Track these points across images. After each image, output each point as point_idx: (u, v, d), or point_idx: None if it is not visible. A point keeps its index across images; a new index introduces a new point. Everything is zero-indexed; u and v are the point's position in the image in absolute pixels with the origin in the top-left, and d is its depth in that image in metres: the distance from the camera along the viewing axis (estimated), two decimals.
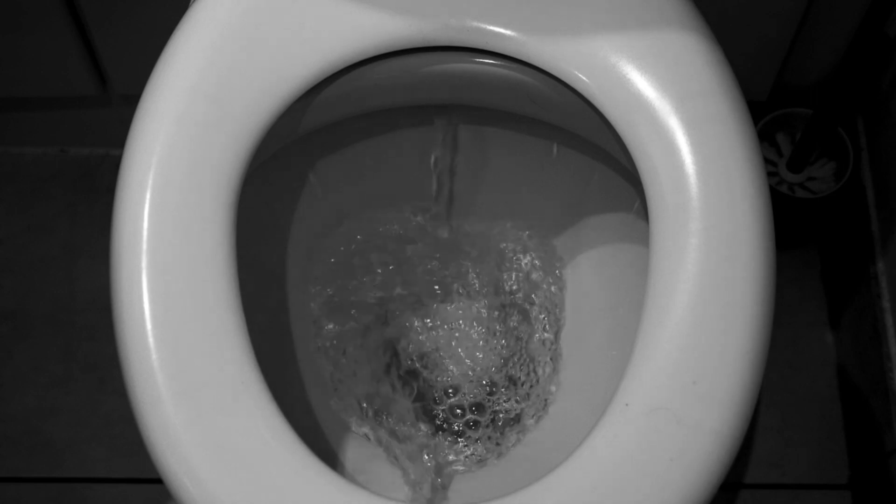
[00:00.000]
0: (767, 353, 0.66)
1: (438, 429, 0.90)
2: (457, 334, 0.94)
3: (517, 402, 0.91)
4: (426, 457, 0.86)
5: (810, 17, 1.00)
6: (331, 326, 0.92)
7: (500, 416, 0.90)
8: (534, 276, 0.95)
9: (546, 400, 0.90)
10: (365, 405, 0.90)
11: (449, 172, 0.92)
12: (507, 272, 0.96)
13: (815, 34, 1.02)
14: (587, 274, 0.93)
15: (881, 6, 0.91)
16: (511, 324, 0.94)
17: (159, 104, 0.71)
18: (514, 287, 0.95)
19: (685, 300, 0.66)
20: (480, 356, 0.93)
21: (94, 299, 1.17)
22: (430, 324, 0.94)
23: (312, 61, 0.73)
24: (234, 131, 0.70)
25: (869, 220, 1.09)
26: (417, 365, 0.93)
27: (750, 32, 0.99)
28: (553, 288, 0.94)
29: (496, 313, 0.95)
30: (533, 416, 0.90)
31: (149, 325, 0.64)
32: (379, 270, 0.95)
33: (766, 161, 1.10)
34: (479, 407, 0.91)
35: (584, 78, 0.72)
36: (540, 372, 0.92)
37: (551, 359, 0.92)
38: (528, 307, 0.94)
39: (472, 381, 0.92)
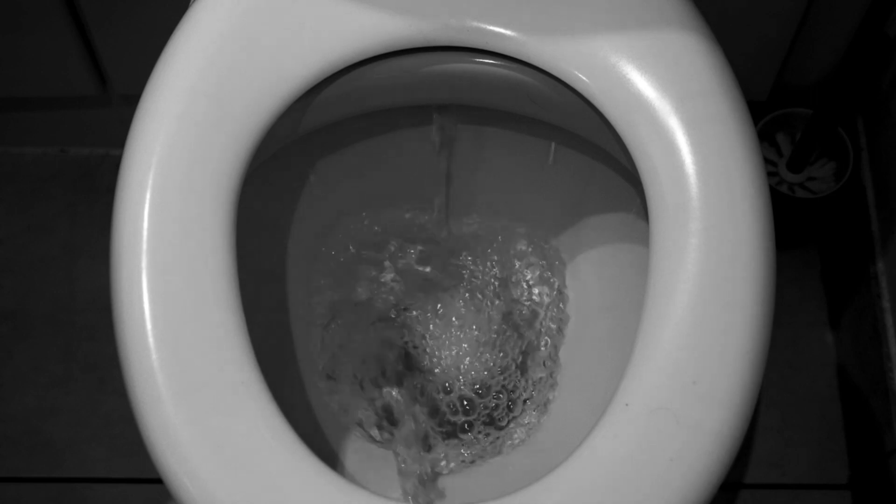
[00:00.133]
0: (767, 353, 0.66)
1: (439, 427, 0.90)
2: (457, 333, 0.94)
3: (517, 401, 0.91)
4: (426, 456, 0.86)
5: (810, 17, 1.00)
6: (331, 326, 0.92)
7: (500, 415, 0.90)
8: (534, 275, 0.95)
9: (546, 400, 0.90)
10: (365, 404, 0.90)
11: (449, 172, 0.92)
12: (506, 272, 0.96)
13: (815, 34, 1.02)
14: (587, 274, 0.93)
15: (881, 6, 0.91)
16: (511, 323, 0.94)
17: (159, 104, 0.71)
18: (514, 286, 0.95)
19: (685, 300, 0.66)
20: (480, 354, 0.93)
21: (94, 299, 1.17)
22: (430, 323, 0.94)
23: (312, 61, 0.73)
24: (234, 131, 0.70)
25: (869, 220, 1.09)
26: (417, 364, 0.93)
27: (750, 32, 0.99)
28: (553, 288, 0.94)
29: (496, 312, 0.95)
30: (533, 415, 0.90)
31: (149, 325, 0.64)
32: (379, 270, 0.95)
33: (766, 161, 1.10)
34: (479, 406, 0.91)
35: (584, 78, 0.72)
36: (540, 372, 0.92)
37: (551, 358, 0.92)
38: (527, 307, 0.94)
39: (472, 380, 0.92)
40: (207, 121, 0.70)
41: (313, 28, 0.73)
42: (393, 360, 0.93)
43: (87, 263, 1.19)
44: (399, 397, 0.91)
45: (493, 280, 0.95)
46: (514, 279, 0.95)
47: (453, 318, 0.95)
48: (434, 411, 0.91)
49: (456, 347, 0.93)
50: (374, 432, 0.88)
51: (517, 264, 0.96)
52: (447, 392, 0.92)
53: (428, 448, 0.87)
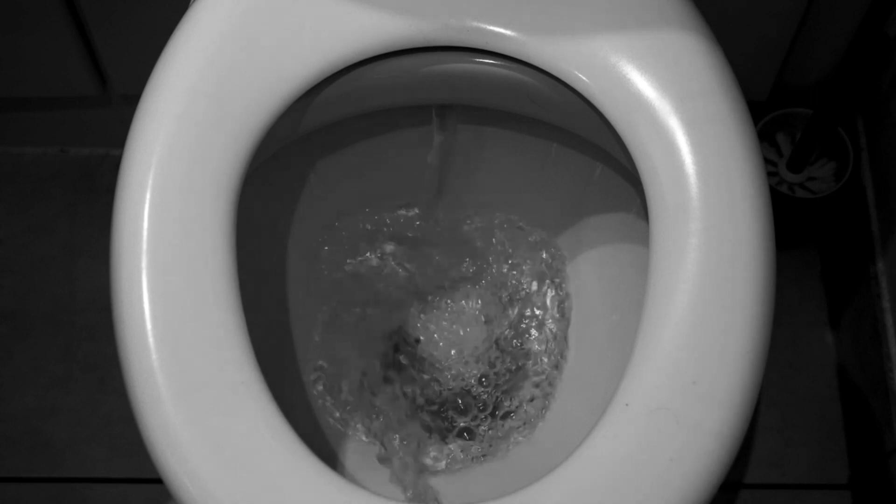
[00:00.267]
0: (767, 353, 0.66)
1: (439, 427, 0.90)
2: (457, 333, 0.94)
3: (517, 401, 0.91)
4: (426, 455, 0.86)
5: (810, 17, 1.00)
6: (331, 326, 0.92)
7: (500, 415, 0.90)
8: (533, 275, 0.95)
9: (546, 399, 0.90)
10: (365, 404, 0.90)
11: (449, 172, 0.92)
12: (506, 271, 0.96)
13: (815, 34, 1.02)
14: (587, 274, 0.93)
15: (881, 6, 0.91)
16: (511, 322, 0.94)
17: (159, 104, 0.71)
18: (514, 286, 0.95)
19: (685, 300, 0.66)
20: (481, 354, 0.93)
21: (94, 299, 1.17)
22: (431, 322, 0.94)
23: (312, 61, 0.73)
24: (234, 131, 0.70)
25: (869, 220, 1.09)
26: (417, 363, 0.93)
27: (750, 32, 0.99)
28: (553, 288, 0.94)
29: (496, 312, 0.95)
30: (533, 415, 0.90)
31: (149, 325, 0.64)
32: (378, 270, 0.95)
33: (766, 161, 1.10)
34: (478, 406, 0.91)
35: (584, 78, 0.72)
36: (540, 372, 0.92)
37: (551, 358, 0.92)
38: (527, 306, 0.94)
39: (472, 380, 0.92)
40: (207, 121, 0.70)
41: (313, 28, 0.73)
42: (393, 359, 0.93)
43: (87, 263, 1.19)
44: (399, 397, 0.91)
45: (492, 279, 0.95)
46: (513, 279, 0.95)
47: (453, 318, 0.95)
48: (434, 411, 0.91)
49: (456, 347, 0.93)
50: (374, 431, 0.88)
51: (517, 264, 0.96)
52: (447, 392, 0.92)
53: (428, 448, 0.87)
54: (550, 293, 0.94)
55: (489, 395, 0.91)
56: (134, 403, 0.64)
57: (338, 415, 0.89)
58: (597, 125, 0.75)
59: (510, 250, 0.96)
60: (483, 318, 0.95)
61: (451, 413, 0.91)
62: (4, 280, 1.19)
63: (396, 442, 0.87)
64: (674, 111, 0.71)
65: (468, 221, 0.96)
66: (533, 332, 0.93)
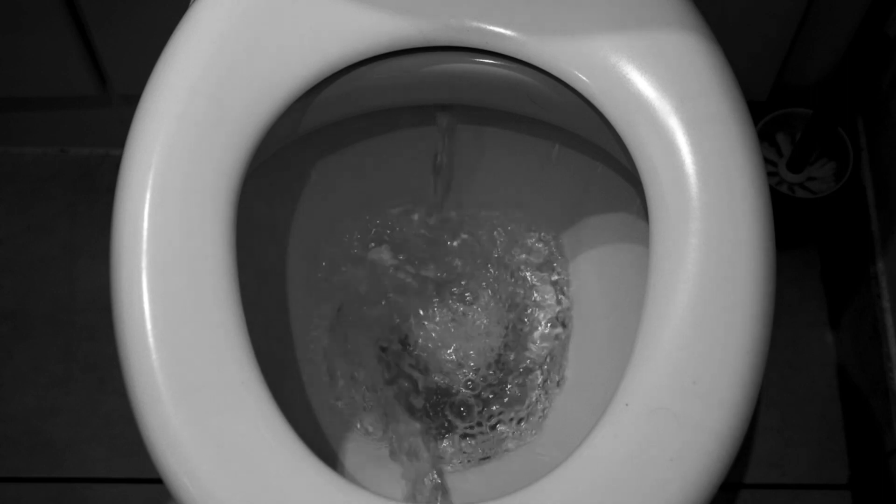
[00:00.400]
0: (767, 353, 0.66)
1: (439, 426, 0.90)
2: (458, 332, 0.94)
3: (517, 400, 0.91)
4: (426, 455, 0.86)
5: (810, 17, 1.00)
6: (331, 326, 0.92)
7: (500, 415, 0.90)
8: (534, 275, 0.95)
9: (546, 399, 0.90)
10: (365, 403, 0.90)
11: (449, 172, 0.92)
12: (507, 271, 0.96)
13: (815, 34, 1.02)
14: (587, 274, 0.93)
15: (881, 6, 0.91)
16: (511, 323, 0.94)
17: (159, 104, 0.71)
18: (515, 286, 0.95)
19: (685, 300, 0.66)
20: (481, 354, 0.93)
21: (94, 299, 1.17)
22: (432, 321, 0.94)
23: (312, 61, 0.73)
24: (234, 131, 0.70)
25: (869, 220, 1.09)
26: (418, 363, 0.93)
27: (750, 32, 0.99)
28: (553, 287, 0.94)
29: (497, 312, 0.95)
30: (533, 415, 0.90)
31: (149, 325, 0.64)
32: (379, 269, 0.95)
33: (766, 161, 1.10)
34: (479, 405, 0.91)
35: (584, 78, 0.72)
36: (540, 372, 0.92)
37: (551, 358, 0.92)
38: (528, 306, 0.94)
39: (472, 380, 0.92)
40: (207, 121, 0.70)
41: (313, 28, 0.73)
42: (393, 358, 0.93)
43: (87, 263, 1.19)
44: (400, 395, 0.91)
45: (493, 280, 0.95)
46: (514, 279, 0.95)
47: (454, 318, 0.95)
48: (434, 410, 0.91)
49: (457, 347, 0.93)
50: (375, 432, 0.88)
51: (517, 264, 0.96)
52: (448, 391, 0.92)
53: (428, 448, 0.87)
54: (550, 293, 0.94)
55: (489, 395, 0.91)
56: (134, 403, 0.64)
57: (338, 414, 0.89)
58: (597, 125, 0.75)
59: (510, 250, 0.96)
60: (483, 319, 0.95)
61: (451, 413, 0.91)
62: (4, 280, 1.19)
63: (398, 440, 0.87)
64: (674, 111, 0.71)
65: (468, 221, 0.96)
66: (533, 331, 0.93)
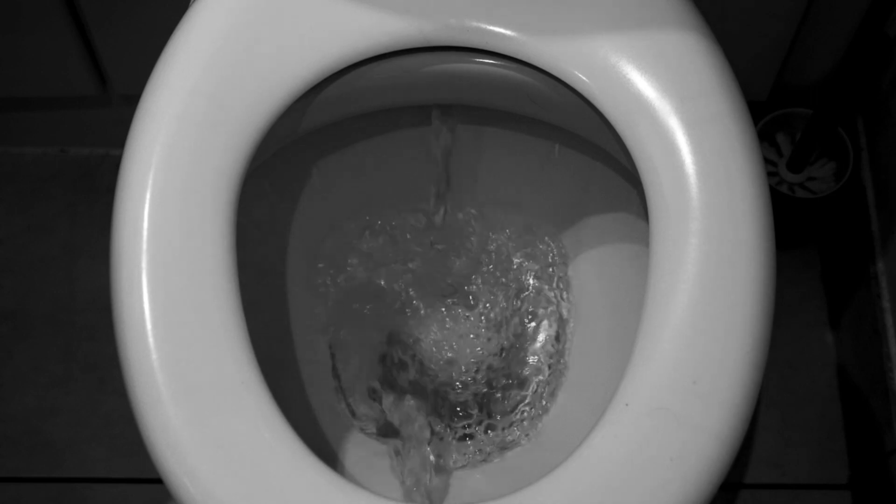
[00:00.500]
0: (767, 353, 0.66)
1: (439, 426, 0.90)
2: (457, 332, 0.94)
3: (517, 400, 0.91)
4: (426, 454, 0.86)
5: (810, 17, 1.00)
6: (331, 326, 0.92)
7: (500, 415, 0.90)
8: (534, 275, 0.95)
9: (546, 399, 0.90)
10: (366, 404, 0.90)
11: (448, 172, 0.92)
12: (507, 271, 0.96)
13: (815, 34, 1.02)
14: (587, 274, 0.93)
15: (881, 6, 0.91)
16: (511, 323, 0.94)
17: (159, 104, 0.71)
18: (515, 286, 0.95)
19: (685, 300, 0.66)
20: (481, 354, 0.93)
21: (94, 299, 1.17)
22: (431, 322, 0.94)
23: (312, 61, 0.73)
24: (234, 131, 0.70)
25: (869, 220, 1.09)
26: (418, 363, 0.93)
27: (750, 32, 0.99)
28: (553, 287, 0.94)
29: (497, 312, 0.95)
30: (533, 415, 0.90)
31: (149, 325, 0.64)
32: (379, 269, 0.95)
33: (766, 161, 1.10)
34: (479, 405, 0.91)
35: (584, 78, 0.72)
36: (540, 372, 0.92)
37: (551, 358, 0.92)
38: (528, 306, 0.94)
39: (472, 379, 0.92)
40: (207, 121, 0.70)
41: (313, 28, 0.73)
42: (394, 359, 0.93)
43: (87, 263, 1.19)
44: (400, 395, 0.91)
45: (493, 280, 0.95)
46: (514, 279, 0.95)
47: (454, 318, 0.95)
48: (434, 410, 0.91)
49: (457, 347, 0.93)
50: (375, 432, 0.88)
51: (517, 264, 0.96)
52: (448, 391, 0.92)
53: (428, 448, 0.87)
54: (550, 293, 0.94)
55: (489, 395, 0.91)
56: (134, 403, 0.64)
57: (338, 414, 0.89)
58: (597, 125, 0.75)
59: (510, 250, 0.96)
60: (483, 319, 0.95)
61: (450, 414, 0.91)
62: (4, 280, 1.19)
63: (398, 443, 0.87)
64: (674, 111, 0.71)
65: (468, 221, 0.96)
66: (533, 331, 0.93)
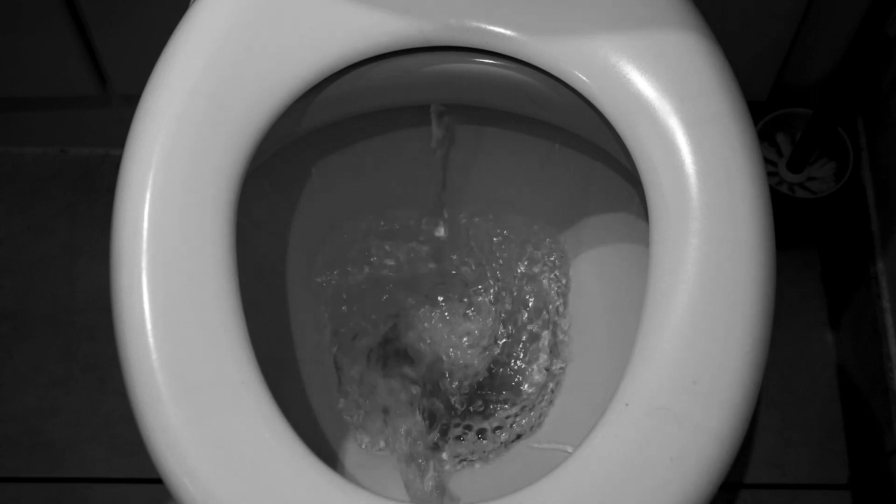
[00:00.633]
0: (767, 353, 0.66)
1: (439, 426, 0.90)
2: (457, 331, 0.94)
3: (517, 401, 0.91)
4: (426, 454, 0.86)
5: (810, 17, 1.00)
6: (331, 326, 0.92)
7: (499, 414, 0.90)
8: (533, 275, 0.95)
9: (546, 399, 0.90)
10: (365, 402, 0.90)
11: (448, 172, 0.92)
12: (506, 271, 0.96)
13: (815, 34, 1.02)
14: (587, 274, 0.93)
15: (881, 6, 0.91)
16: (511, 322, 0.94)
17: (159, 104, 0.71)
18: (515, 286, 0.95)
19: (685, 300, 0.66)
20: (481, 354, 0.93)
21: (94, 299, 1.17)
22: (431, 322, 0.94)
23: (312, 61, 0.73)
24: (234, 131, 0.70)
25: (869, 220, 1.09)
26: (418, 362, 0.93)
27: (750, 32, 0.99)
28: (553, 288, 0.94)
29: (497, 312, 0.95)
30: (533, 415, 0.90)
31: (149, 325, 0.64)
32: (379, 269, 0.95)
33: (766, 161, 1.10)
34: (479, 405, 0.91)
35: (584, 78, 0.72)
36: (540, 372, 0.92)
37: (551, 358, 0.92)
38: (528, 306, 0.94)
39: (473, 380, 0.92)
40: (207, 121, 0.70)
41: (313, 28, 0.73)
42: (394, 358, 0.93)
43: (87, 263, 1.19)
44: (399, 395, 0.90)
45: (493, 279, 0.95)
46: (514, 278, 0.95)
47: (454, 318, 0.95)
48: (435, 410, 0.91)
49: (457, 346, 0.93)
50: (375, 431, 0.88)
51: (517, 263, 0.96)
52: (448, 391, 0.92)
53: (428, 448, 0.87)
54: (550, 293, 0.94)
55: (489, 395, 0.91)
56: (134, 403, 0.64)
57: (338, 414, 0.89)
58: (597, 125, 0.75)
59: (510, 250, 0.96)
60: (483, 318, 0.95)
61: (450, 413, 0.91)
62: (4, 280, 1.19)
63: (398, 440, 0.87)
64: (674, 111, 0.71)
65: (468, 221, 0.96)
66: (533, 331, 0.93)
